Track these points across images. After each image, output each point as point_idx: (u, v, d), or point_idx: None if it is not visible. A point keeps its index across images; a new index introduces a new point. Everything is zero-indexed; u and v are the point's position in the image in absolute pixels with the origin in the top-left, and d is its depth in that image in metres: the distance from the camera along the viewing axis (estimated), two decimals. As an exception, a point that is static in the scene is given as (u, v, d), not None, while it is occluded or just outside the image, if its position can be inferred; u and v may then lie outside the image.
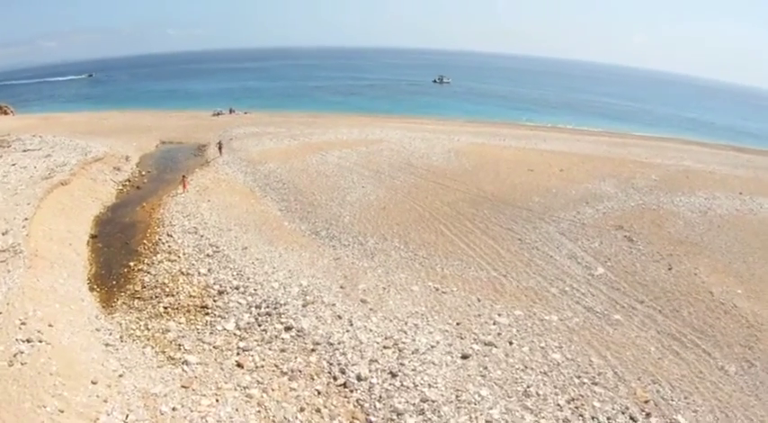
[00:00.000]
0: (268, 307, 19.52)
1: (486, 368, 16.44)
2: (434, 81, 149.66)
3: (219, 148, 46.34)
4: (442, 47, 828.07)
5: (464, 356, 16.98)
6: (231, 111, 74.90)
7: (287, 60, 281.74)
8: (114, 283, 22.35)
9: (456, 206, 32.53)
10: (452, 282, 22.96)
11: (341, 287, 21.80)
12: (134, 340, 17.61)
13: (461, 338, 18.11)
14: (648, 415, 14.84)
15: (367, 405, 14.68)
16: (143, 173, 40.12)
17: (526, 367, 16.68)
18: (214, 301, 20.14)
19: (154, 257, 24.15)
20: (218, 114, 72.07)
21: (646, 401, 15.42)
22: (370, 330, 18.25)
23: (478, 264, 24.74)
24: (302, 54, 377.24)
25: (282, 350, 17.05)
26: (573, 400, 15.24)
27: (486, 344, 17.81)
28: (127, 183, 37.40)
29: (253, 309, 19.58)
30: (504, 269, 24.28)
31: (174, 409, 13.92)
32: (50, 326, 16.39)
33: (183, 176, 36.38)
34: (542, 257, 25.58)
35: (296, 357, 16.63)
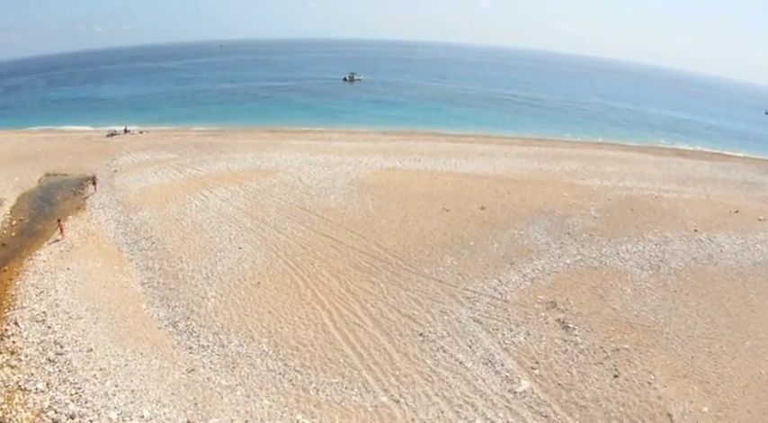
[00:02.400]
0: (101, 454, 16.08)
1: None
2: (344, 79, 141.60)
3: (94, 183, 44.40)
4: (369, 37, 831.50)
5: None
6: (126, 130, 71.32)
7: (210, 57, 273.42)
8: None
9: (347, 278, 27.27)
10: (328, 414, 18.38)
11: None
12: None
13: None
14: None
15: None
16: (14, 222, 36.98)
17: None
18: (45, 438, 16.93)
19: (-6, 359, 20.93)
20: (113, 135, 69.10)
21: None
22: None
23: (364, 381, 19.94)
24: (225, 50, 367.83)
25: None
26: None
27: None
28: (-6, 238, 34.11)
29: (85, 455, 16.15)
30: (398, 389, 19.47)
31: None
32: None
33: (59, 221, 34.71)
34: (449, 366, 20.49)
35: None
